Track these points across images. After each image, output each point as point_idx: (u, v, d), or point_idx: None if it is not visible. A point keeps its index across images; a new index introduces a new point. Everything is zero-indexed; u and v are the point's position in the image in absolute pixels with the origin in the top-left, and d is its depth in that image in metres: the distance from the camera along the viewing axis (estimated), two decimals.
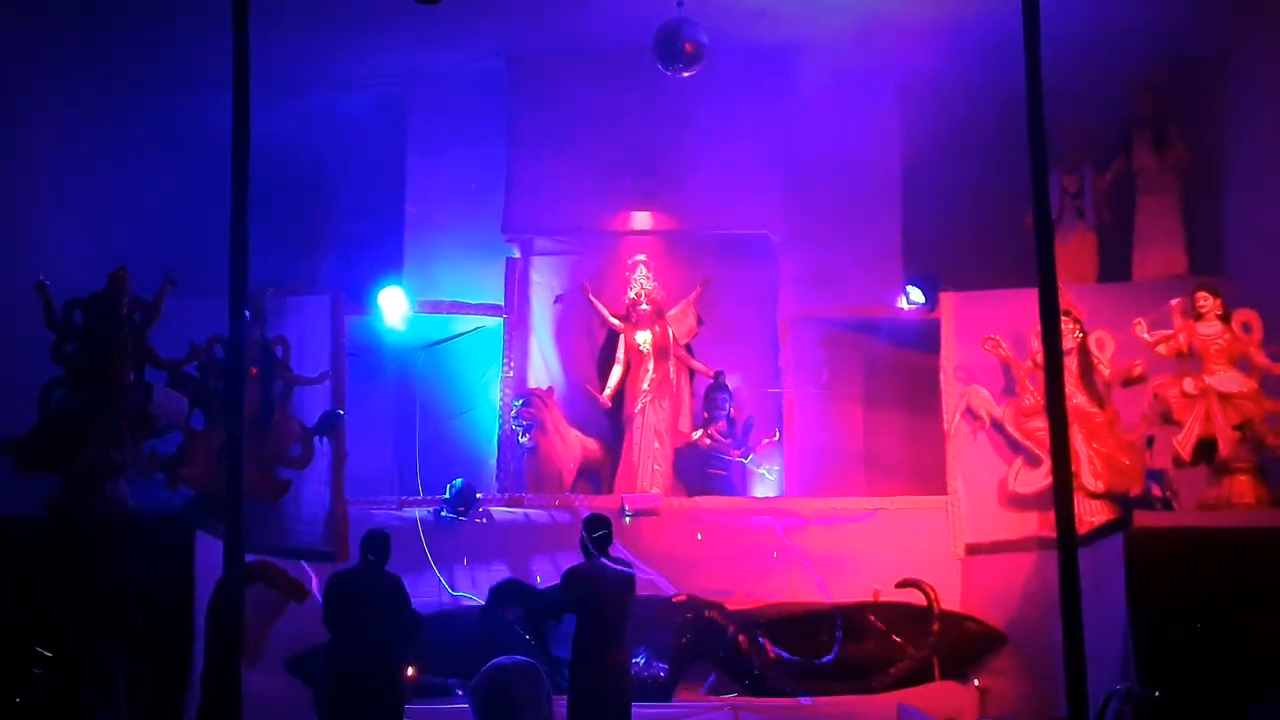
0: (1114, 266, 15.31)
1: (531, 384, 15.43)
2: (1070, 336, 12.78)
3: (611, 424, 15.53)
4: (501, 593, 12.64)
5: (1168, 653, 10.57)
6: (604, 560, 10.84)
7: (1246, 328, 12.21)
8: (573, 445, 15.25)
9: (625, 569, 10.90)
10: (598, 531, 10.79)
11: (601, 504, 13.99)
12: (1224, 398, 12.00)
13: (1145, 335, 12.44)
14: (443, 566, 14.16)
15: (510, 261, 15.66)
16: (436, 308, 15.46)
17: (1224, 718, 10.20)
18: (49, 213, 14.27)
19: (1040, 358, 11.70)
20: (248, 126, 8.63)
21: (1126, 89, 15.46)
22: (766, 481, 15.06)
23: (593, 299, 15.64)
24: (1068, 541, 8.28)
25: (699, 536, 14.12)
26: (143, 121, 15.39)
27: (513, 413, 14.99)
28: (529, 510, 14.54)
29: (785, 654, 13.21)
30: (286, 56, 13.68)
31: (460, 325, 15.72)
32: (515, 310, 15.59)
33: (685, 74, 13.75)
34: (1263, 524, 11.25)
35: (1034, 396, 13.34)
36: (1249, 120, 14.51)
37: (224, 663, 8.58)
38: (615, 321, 15.52)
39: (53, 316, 12.15)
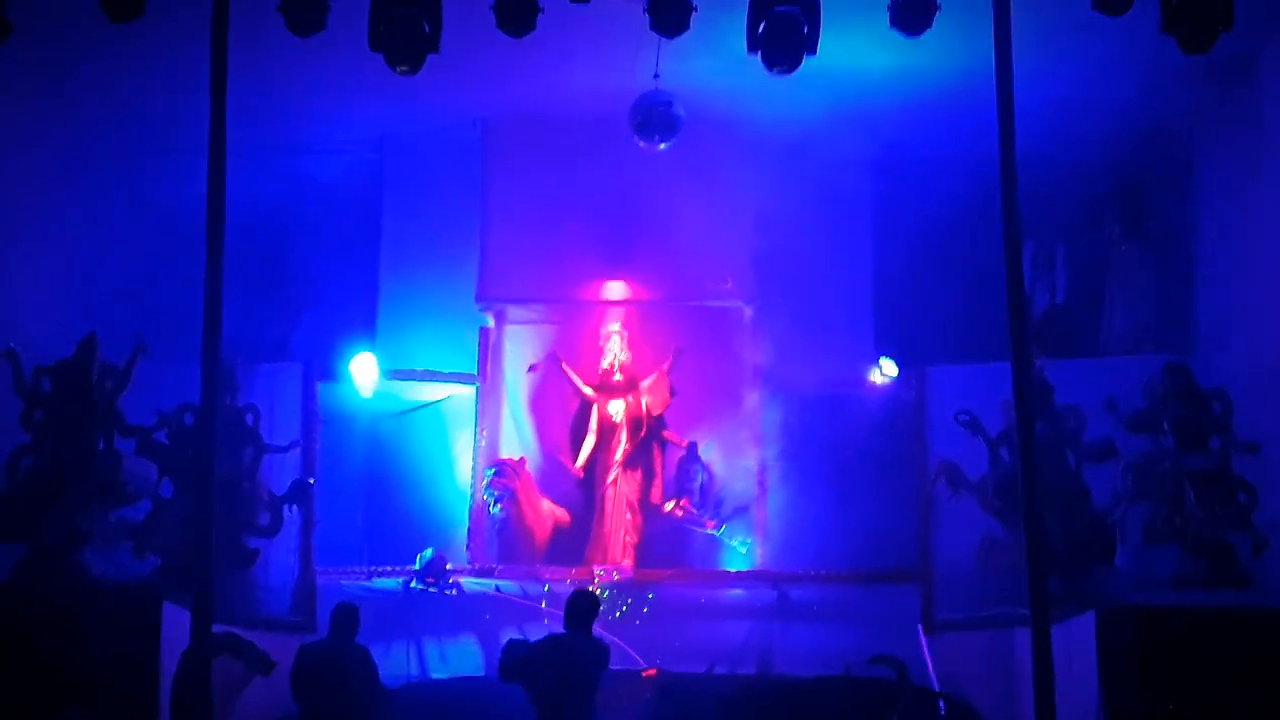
0: (1084, 340, 15.38)
1: (504, 453, 15.38)
2: None
3: (583, 494, 15.47)
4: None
5: None
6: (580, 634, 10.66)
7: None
8: (544, 516, 15.18)
9: (600, 642, 10.75)
10: (580, 607, 10.64)
11: (572, 575, 13.94)
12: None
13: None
14: (413, 639, 14.08)
15: (484, 330, 15.63)
16: (409, 375, 15.39)
17: None
18: (17, 278, 14.20)
19: None
20: (223, 193, 8.65)
21: (1097, 165, 15.58)
22: (739, 553, 14.97)
23: (566, 368, 15.64)
24: (1041, 618, 8.28)
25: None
26: (114, 185, 15.35)
27: (485, 482, 14.92)
28: (500, 581, 14.47)
29: None
30: (260, 120, 13.71)
31: (433, 393, 15.62)
32: (488, 379, 15.55)
33: (661, 147, 13.78)
34: (1235, 603, 11.21)
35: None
36: (1219, 194, 14.62)
37: None
38: (588, 391, 15.51)
39: (21, 383, 12.06)
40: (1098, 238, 15.75)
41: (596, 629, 10.71)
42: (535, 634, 11.41)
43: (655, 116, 13.58)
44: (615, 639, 13.14)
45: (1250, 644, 10.72)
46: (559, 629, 10.66)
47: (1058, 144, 14.72)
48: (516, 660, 10.48)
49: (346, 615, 10.88)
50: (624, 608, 14.08)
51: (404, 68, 9.71)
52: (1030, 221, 14.35)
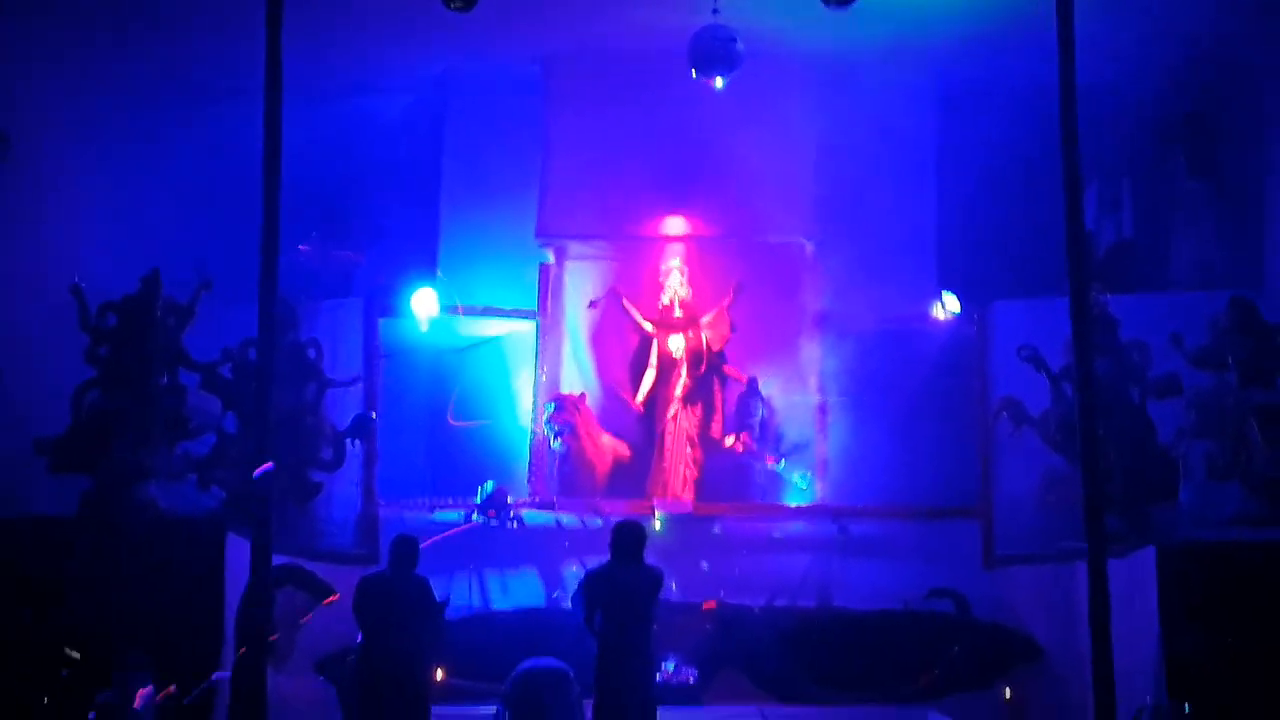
0: (1150, 275, 15.24)
1: (564, 388, 15.44)
2: None
3: (643, 429, 15.52)
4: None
5: (1199, 668, 10.46)
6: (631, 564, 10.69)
7: None
8: (605, 450, 15.25)
9: (653, 569, 10.77)
10: (626, 537, 10.66)
11: (633, 509, 14.01)
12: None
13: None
14: (474, 570, 14.23)
15: (544, 266, 15.65)
16: (470, 311, 15.46)
17: None
18: (84, 216, 14.36)
19: None
20: (279, 128, 8.69)
21: (1166, 101, 15.38)
22: (799, 489, 15.00)
23: (626, 304, 15.64)
24: (1098, 553, 8.26)
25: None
26: (178, 125, 15.45)
27: (545, 417, 14.99)
28: (560, 514, 14.59)
29: (814, 661, 13.18)
30: (321, 60, 13.71)
31: (494, 329, 15.68)
32: (549, 314, 15.58)
33: (720, 82, 13.70)
34: None
35: None
36: None
37: (250, 663, 8.61)
38: (648, 326, 15.52)
39: (87, 319, 12.25)
40: (1165, 173, 15.57)
41: (652, 560, 10.73)
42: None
43: (714, 51, 13.48)
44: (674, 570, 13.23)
45: None
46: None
47: (1124, 79, 14.58)
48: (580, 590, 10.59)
49: (405, 547, 10.97)
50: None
51: (458, 4, 9.70)
52: (1097, 157, 14.26)
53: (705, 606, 13.51)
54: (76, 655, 9.88)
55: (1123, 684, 9.21)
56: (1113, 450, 12.49)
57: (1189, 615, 10.62)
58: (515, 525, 14.40)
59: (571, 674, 11.13)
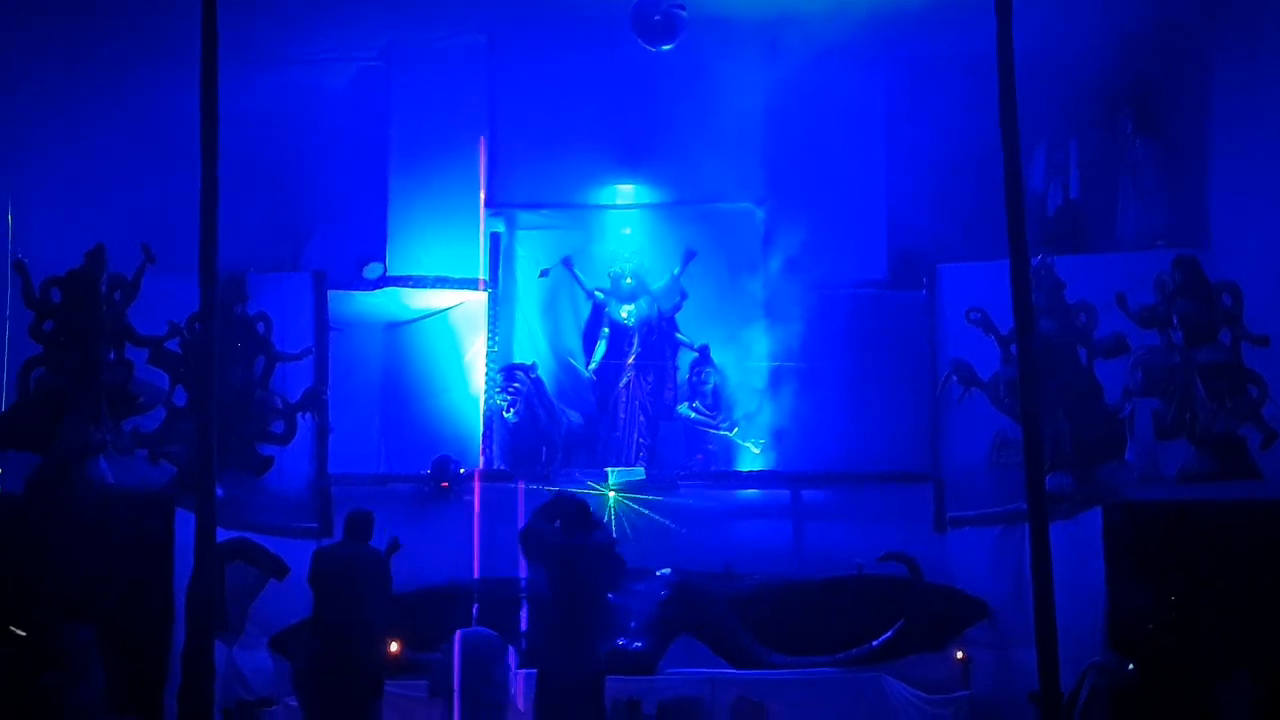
0: (1097, 236, 15.30)
1: (516, 358, 15.42)
2: None
3: (596, 398, 15.52)
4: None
5: (1145, 626, 10.54)
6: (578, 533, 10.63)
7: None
8: (557, 419, 15.23)
9: (604, 538, 10.76)
10: (570, 514, 10.61)
11: (585, 478, 14.04)
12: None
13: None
14: (427, 543, 14.18)
15: (494, 236, 15.61)
16: (420, 283, 15.41)
17: (1195, 692, 10.21)
18: (27, 191, 14.21)
19: None
20: (215, 101, 8.62)
21: (1112, 61, 15.41)
22: (752, 455, 15.03)
23: (576, 273, 15.62)
24: (1039, 513, 8.29)
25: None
26: (122, 98, 15.27)
27: (497, 388, 14.97)
28: (512, 485, 14.54)
29: (768, 627, 13.21)
30: (266, 30, 13.69)
31: (445, 300, 15.64)
32: (500, 285, 15.54)
33: (665, 48, 13.67)
34: (1244, 496, 11.19)
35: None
36: (1234, 91, 14.43)
37: (199, 640, 8.58)
38: (599, 295, 15.52)
39: (31, 294, 12.13)
40: (1111, 134, 15.60)
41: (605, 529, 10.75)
42: None
43: (657, 18, 13.47)
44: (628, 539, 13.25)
45: (1260, 536, 10.75)
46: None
47: (1071, 40, 14.56)
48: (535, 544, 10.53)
49: (360, 521, 10.96)
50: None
51: None
52: (1044, 119, 14.37)
53: (660, 574, 13.52)
54: (23, 634, 9.81)
55: (1070, 644, 9.27)
56: (1060, 411, 12.58)
57: (1135, 574, 10.70)
58: (467, 496, 14.38)
59: (506, 644, 11.14)
